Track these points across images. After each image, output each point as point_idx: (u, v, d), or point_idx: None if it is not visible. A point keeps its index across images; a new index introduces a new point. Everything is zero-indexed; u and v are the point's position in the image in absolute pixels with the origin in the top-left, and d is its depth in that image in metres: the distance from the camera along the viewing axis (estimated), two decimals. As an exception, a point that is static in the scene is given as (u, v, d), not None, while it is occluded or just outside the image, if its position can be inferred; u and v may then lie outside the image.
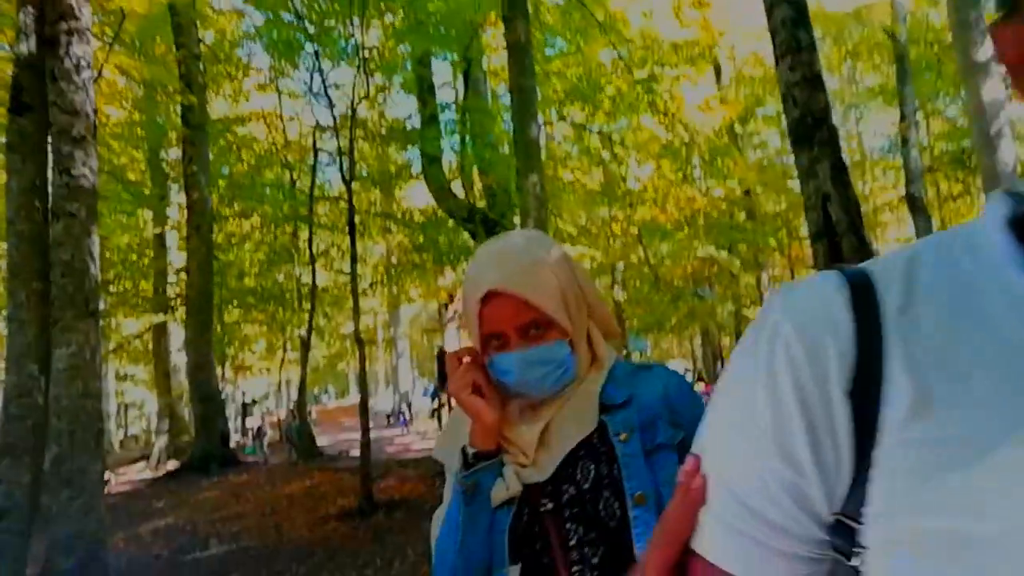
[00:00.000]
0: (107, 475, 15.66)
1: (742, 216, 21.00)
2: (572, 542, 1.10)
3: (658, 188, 16.41)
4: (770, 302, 0.57)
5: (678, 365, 25.35)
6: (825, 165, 4.21)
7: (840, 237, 4.10)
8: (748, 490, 0.52)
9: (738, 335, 28.33)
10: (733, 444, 0.55)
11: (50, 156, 6.60)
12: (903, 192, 21.67)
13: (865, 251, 4.11)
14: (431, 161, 12.37)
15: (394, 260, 22.39)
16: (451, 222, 13.68)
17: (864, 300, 0.51)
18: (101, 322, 7.03)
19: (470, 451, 1.15)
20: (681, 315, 21.81)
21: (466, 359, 1.18)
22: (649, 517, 1.07)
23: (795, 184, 20.27)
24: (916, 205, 19.45)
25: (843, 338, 0.50)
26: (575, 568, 1.09)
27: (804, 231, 20.63)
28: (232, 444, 17.30)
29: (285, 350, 26.81)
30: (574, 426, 1.16)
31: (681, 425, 1.16)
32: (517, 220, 14.45)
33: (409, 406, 29.30)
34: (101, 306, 6.96)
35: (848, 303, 0.51)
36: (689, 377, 21.19)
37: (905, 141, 15.98)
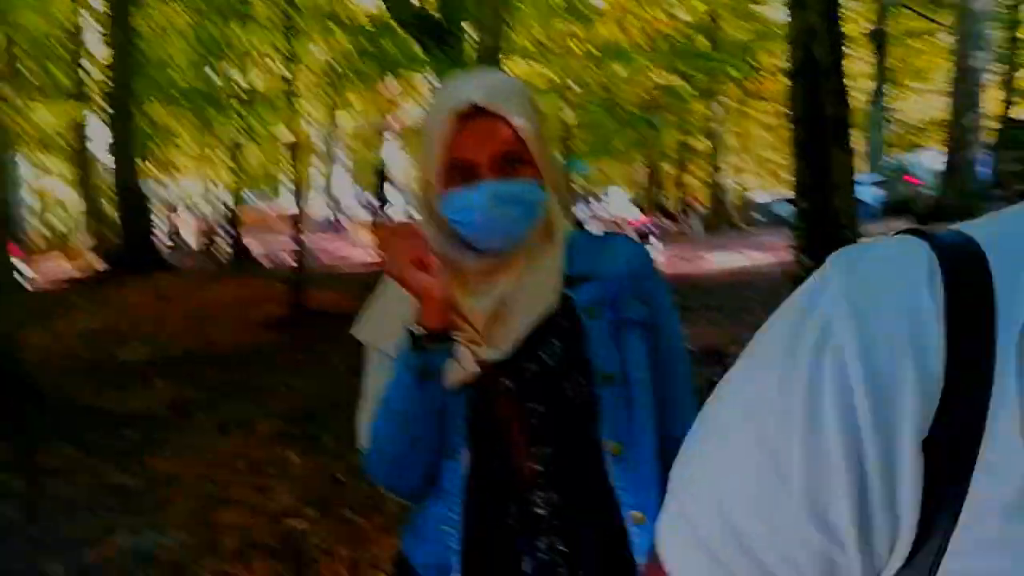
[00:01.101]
0: (26, 270, 15.17)
1: (704, 42, 20.14)
2: (533, 421, 1.01)
3: (622, 5, 15.41)
4: (823, 276, 0.38)
5: (620, 193, 25.38)
6: (817, -4, 3.82)
7: (821, 77, 3.80)
8: (761, 545, 0.39)
9: (681, 164, 28.29)
10: (745, 483, 0.40)
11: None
12: (865, 28, 21.05)
13: (842, 95, 3.85)
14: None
15: (335, 65, 21.05)
16: (398, 28, 12.64)
17: (970, 296, 0.34)
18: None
19: (418, 331, 0.98)
20: (628, 142, 21.45)
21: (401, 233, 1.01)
22: (617, 398, 1.01)
23: (764, 10, 19.37)
24: (881, 42, 18.96)
25: (930, 359, 0.34)
26: (534, 449, 1.01)
27: (770, 63, 20.04)
28: (158, 245, 16.84)
29: (216, 151, 25.67)
30: (535, 300, 1.03)
31: (643, 299, 1.07)
32: (471, 31, 13.48)
33: (346, 215, 28.91)
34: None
35: (942, 301, 0.34)
36: (633, 208, 21.31)
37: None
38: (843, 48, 4.17)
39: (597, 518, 1.00)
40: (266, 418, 5.27)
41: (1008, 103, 21.59)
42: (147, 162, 22.58)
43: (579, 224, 1.20)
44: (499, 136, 0.99)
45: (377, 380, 1.04)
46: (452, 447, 1.00)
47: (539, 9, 16.32)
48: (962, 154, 12.69)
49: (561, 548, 0.99)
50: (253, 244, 18.24)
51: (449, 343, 0.98)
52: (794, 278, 3.99)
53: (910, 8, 20.44)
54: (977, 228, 0.36)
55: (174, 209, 23.75)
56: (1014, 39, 20.67)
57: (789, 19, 4.22)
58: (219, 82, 20.83)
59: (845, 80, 4.03)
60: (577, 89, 20.31)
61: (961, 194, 12.74)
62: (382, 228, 0.99)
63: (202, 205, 36.51)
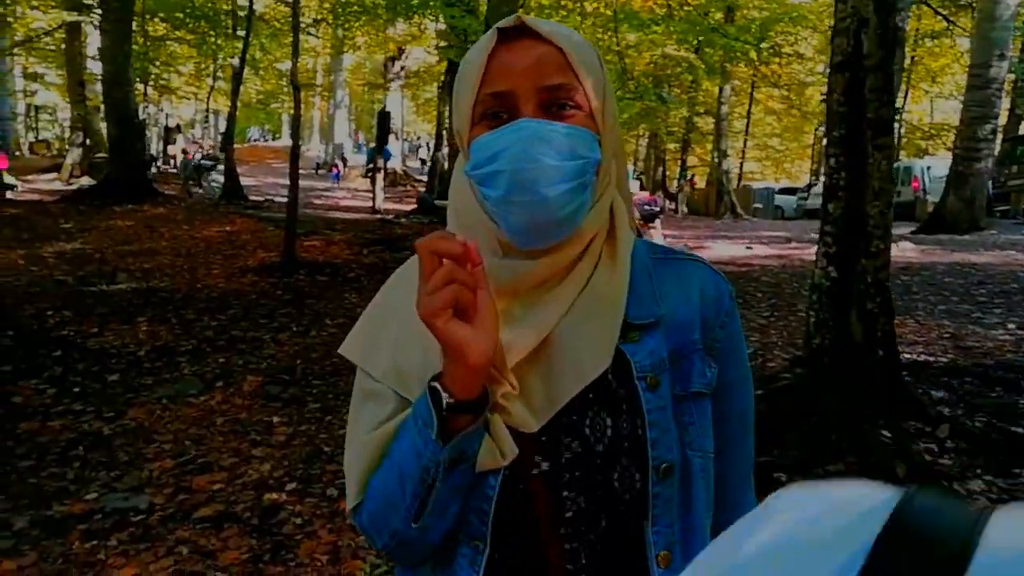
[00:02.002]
0: (11, 180, 14.73)
1: (719, 16, 19.65)
2: (568, 514, 0.78)
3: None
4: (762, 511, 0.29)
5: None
6: (873, -19, 3.58)
7: (866, 73, 3.58)
8: None
9: (685, 143, 27.93)
10: None
11: None
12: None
13: (889, 94, 3.63)
14: None
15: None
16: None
17: None
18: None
19: (446, 398, 0.72)
20: (633, 112, 21.08)
21: (446, 259, 0.69)
22: (671, 493, 0.78)
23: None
24: (897, 38, 18.58)
25: None
26: (567, 546, 0.78)
27: (790, 48, 19.57)
28: (152, 171, 16.40)
29: (215, 78, 25.04)
30: (589, 350, 0.76)
31: (712, 352, 0.83)
32: (487, -22, 12.97)
33: (344, 160, 28.43)
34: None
35: None
36: (634, 185, 21.02)
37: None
38: (895, 44, 3.94)
39: None
40: (251, 374, 5.08)
41: (1020, 117, 21.39)
42: (144, 81, 22.01)
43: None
44: (547, 62, 0.74)
45: (371, 414, 0.81)
46: (472, 533, 0.78)
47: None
48: (972, 164, 12.51)
49: None
50: (247, 180, 17.83)
51: (484, 418, 0.73)
52: (818, 289, 3.82)
53: (928, 5, 20.00)
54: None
55: (168, 133, 23.06)
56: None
57: (834, 4, 3.98)
58: (221, 3, 20.16)
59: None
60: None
61: (965, 204, 12.61)
62: (424, 246, 0.66)
63: (199, 132, 35.80)
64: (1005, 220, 14.14)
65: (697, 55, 19.35)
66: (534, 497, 0.78)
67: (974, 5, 14.94)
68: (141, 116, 17.41)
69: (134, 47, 16.16)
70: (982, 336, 5.38)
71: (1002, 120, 17.36)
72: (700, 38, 17.40)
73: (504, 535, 0.78)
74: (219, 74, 25.21)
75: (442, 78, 21.51)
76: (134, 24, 15.89)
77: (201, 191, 16.90)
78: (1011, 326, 5.65)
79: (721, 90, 22.95)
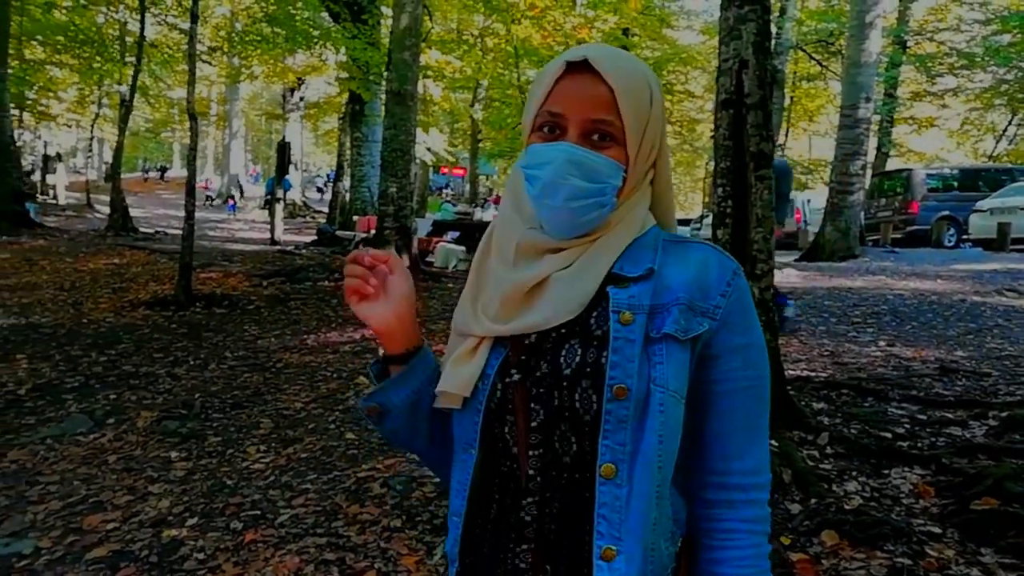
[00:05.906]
0: None
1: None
2: (534, 423, 0.93)
3: (539, 6, 15.44)
4: None
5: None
6: (751, 27, 3.88)
7: (748, 110, 3.86)
8: None
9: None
10: None
11: None
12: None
13: (768, 129, 3.92)
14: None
15: (239, 27, 20.03)
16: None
17: None
18: None
19: (382, 352, 1.03)
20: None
21: (364, 263, 0.98)
22: (624, 415, 0.88)
23: (675, 34, 19.89)
24: (776, 79, 19.89)
25: None
26: (531, 453, 0.92)
27: (681, 87, 20.59)
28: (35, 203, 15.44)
29: (100, 105, 23.97)
30: (569, 296, 0.94)
31: (708, 314, 0.93)
32: (387, 9, 13.19)
33: (241, 190, 27.68)
34: None
35: None
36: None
37: (783, 11, 15.91)
38: (773, 84, 4.26)
39: (574, 540, 0.90)
40: (145, 409, 4.86)
41: (885, 154, 23.33)
42: (20, 107, 20.82)
43: None
44: (595, 100, 0.92)
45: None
46: (467, 442, 0.97)
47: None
48: (846, 197, 13.48)
49: (536, 561, 0.92)
50: (136, 211, 17.05)
51: (409, 374, 1.00)
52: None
53: (803, 50, 21.55)
54: None
55: (47, 162, 21.74)
56: (891, 95, 22.43)
57: (719, 46, 4.26)
58: (108, 28, 19.39)
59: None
60: (485, 86, 20.20)
61: (841, 234, 13.53)
62: (351, 259, 1.00)
63: (82, 162, 33.96)
64: (876, 248, 15.24)
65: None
66: (514, 408, 0.94)
67: (843, 52, 16.21)
68: (17, 143, 16.42)
69: (9, 71, 15.29)
70: (856, 353, 5.80)
71: (871, 156, 18.87)
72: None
73: (492, 445, 0.96)
74: (104, 101, 24.16)
75: (343, 109, 21.37)
76: (10, 47, 15.06)
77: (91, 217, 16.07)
78: (881, 343, 6.12)
79: (618, 125, 23.81)
